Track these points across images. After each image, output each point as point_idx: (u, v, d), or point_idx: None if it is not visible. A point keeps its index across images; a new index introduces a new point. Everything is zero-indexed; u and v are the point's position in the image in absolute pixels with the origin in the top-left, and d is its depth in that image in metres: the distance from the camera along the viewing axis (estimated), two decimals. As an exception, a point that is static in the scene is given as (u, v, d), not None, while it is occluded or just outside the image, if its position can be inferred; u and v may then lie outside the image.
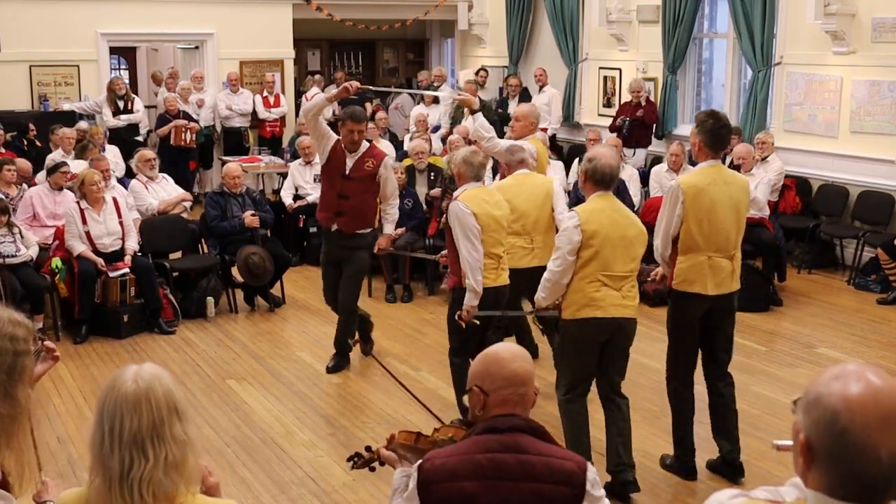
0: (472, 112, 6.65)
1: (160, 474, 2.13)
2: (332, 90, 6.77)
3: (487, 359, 2.73)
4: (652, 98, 11.91)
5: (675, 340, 5.27)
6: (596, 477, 2.64)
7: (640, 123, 11.60)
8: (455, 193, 5.84)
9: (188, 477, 2.18)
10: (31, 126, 11.16)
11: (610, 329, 4.94)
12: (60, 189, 8.43)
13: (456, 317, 5.61)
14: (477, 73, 13.76)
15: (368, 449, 3.23)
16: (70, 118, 11.64)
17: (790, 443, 1.76)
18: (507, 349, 2.77)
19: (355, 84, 6.72)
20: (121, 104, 12.12)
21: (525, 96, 13.07)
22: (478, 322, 5.59)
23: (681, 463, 5.36)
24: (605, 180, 4.90)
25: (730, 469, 5.31)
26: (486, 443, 2.61)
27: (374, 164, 6.85)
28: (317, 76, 14.70)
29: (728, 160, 9.58)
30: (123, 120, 12.00)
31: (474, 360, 2.77)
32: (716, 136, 5.07)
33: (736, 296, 5.31)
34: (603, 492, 2.65)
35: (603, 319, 4.89)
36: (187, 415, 2.24)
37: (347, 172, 6.81)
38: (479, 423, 2.68)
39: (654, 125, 11.78)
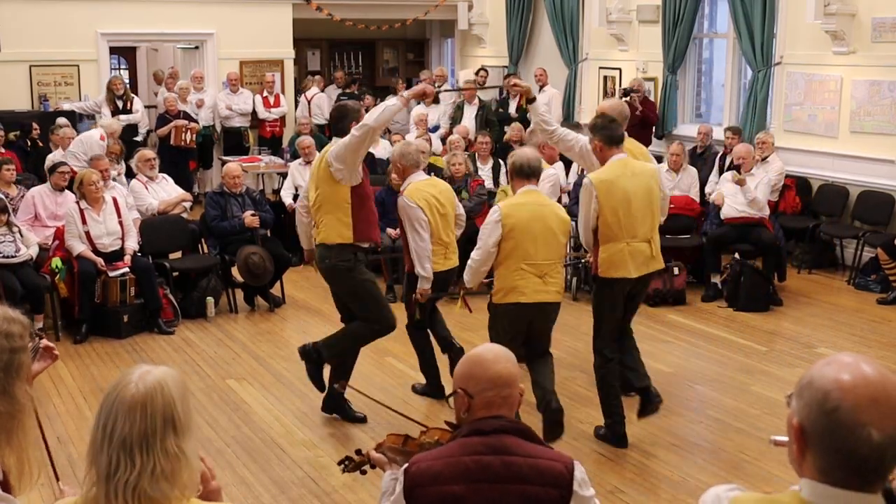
0: (529, 101, 6.11)
1: (145, 483, 2.07)
2: (404, 92, 6.03)
3: (471, 361, 2.72)
4: (652, 98, 11.90)
5: (601, 319, 5.73)
6: (584, 476, 2.63)
7: (639, 123, 11.59)
8: (402, 187, 6.25)
9: (182, 487, 2.12)
10: (35, 126, 11.16)
11: (532, 312, 5.42)
12: (62, 190, 8.43)
13: (413, 299, 6.23)
14: (477, 73, 13.77)
15: (359, 452, 3.24)
16: (70, 118, 11.63)
17: (786, 438, 1.78)
18: (490, 351, 2.75)
19: (431, 88, 6.23)
20: (120, 104, 12.11)
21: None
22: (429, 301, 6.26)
23: (612, 432, 5.74)
24: (527, 173, 5.42)
25: (646, 397, 5.75)
26: (472, 445, 2.60)
27: None
28: (317, 76, 14.72)
29: (728, 160, 9.61)
30: (123, 120, 11.99)
31: (458, 363, 2.77)
32: (609, 132, 5.56)
33: (656, 273, 5.87)
34: (592, 491, 2.64)
35: (526, 304, 5.37)
36: (187, 429, 2.13)
37: None
38: (464, 425, 2.68)
39: (654, 125, 11.77)
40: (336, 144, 5.76)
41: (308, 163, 10.12)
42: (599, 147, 5.57)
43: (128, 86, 13.31)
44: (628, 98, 11.43)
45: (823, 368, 1.71)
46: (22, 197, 8.54)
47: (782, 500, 1.77)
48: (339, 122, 5.89)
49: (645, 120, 11.58)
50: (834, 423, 1.65)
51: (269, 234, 9.13)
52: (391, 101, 5.77)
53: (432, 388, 6.50)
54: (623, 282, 5.54)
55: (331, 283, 6.07)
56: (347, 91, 14.58)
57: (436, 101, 13.18)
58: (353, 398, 6.00)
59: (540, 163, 5.60)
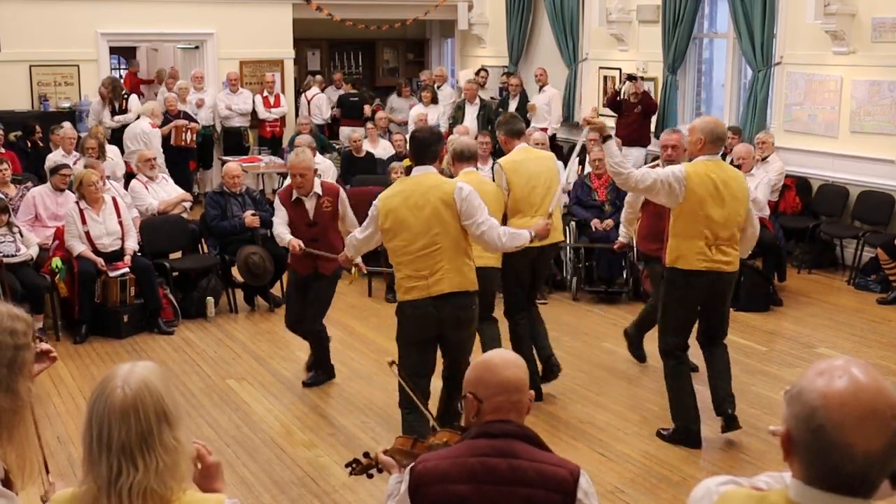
0: (604, 140, 5.49)
1: (151, 482, 2.08)
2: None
3: (481, 366, 2.74)
4: (651, 97, 11.90)
5: (509, 290, 6.45)
6: (590, 488, 2.63)
7: (641, 113, 11.59)
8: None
9: (181, 478, 2.14)
10: (37, 127, 11.15)
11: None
12: (62, 191, 8.43)
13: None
14: (477, 74, 13.77)
15: (367, 455, 3.24)
16: (70, 118, 11.63)
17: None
18: (500, 356, 2.77)
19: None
20: (116, 104, 12.10)
21: (524, 96, 13.07)
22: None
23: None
24: (466, 156, 6.02)
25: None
26: (479, 447, 2.62)
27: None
28: (318, 77, 14.72)
29: (728, 160, 9.60)
30: (119, 120, 11.98)
31: (469, 367, 2.78)
32: (510, 125, 6.56)
33: (559, 246, 6.91)
34: (597, 502, 2.65)
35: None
36: (179, 420, 2.16)
37: None
38: (473, 428, 2.69)
39: (655, 117, 11.77)
40: (470, 194, 5.05)
41: None
42: (505, 140, 6.53)
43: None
44: (633, 82, 11.46)
45: (815, 380, 1.68)
46: (21, 197, 8.55)
47: (771, 498, 1.77)
48: (433, 146, 5.24)
49: (646, 110, 11.56)
50: (819, 441, 1.64)
51: (269, 234, 9.12)
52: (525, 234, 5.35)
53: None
54: (526, 251, 5.75)
55: (459, 329, 5.28)
56: (352, 91, 14.59)
57: (434, 100, 13.20)
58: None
59: (477, 148, 6.54)
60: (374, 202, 5.27)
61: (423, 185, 5.09)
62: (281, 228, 6.70)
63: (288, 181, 6.89)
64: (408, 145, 5.45)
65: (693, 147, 5.53)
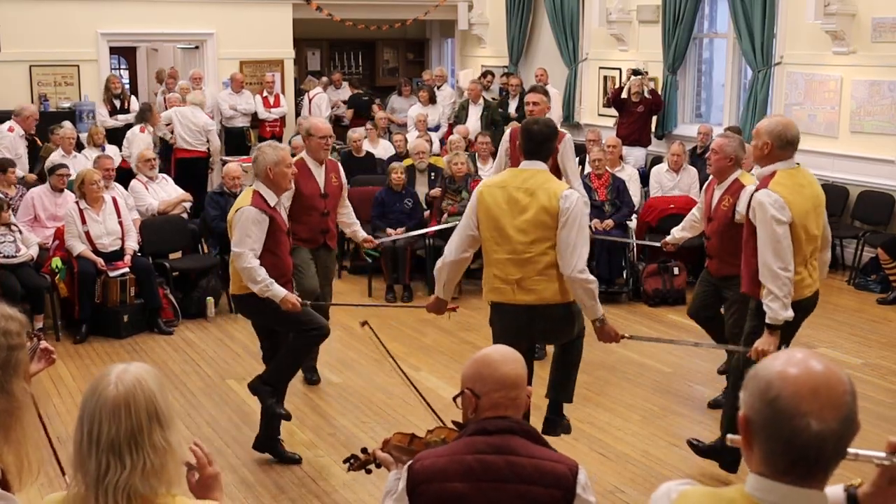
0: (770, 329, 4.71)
1: (137, 481, 2.08)
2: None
3: (479, 362, 2.72)
4: (658, 95, 11.88)
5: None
6: (587, 481, 2.63)
7: (640, 118, 11.59)
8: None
9: (168, 481, 2.14)
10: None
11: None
12: (61, 191, 8.43)
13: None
14: (484, 77, 13.75)
15: (364, 451, 3.24)
16: (70, 118, 11.61)
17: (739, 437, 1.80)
18: (499, 352, 2.76)
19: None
20: (117, 103, 12.10)
21: (524, 96, 13.04)
22: None
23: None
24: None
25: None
26: (476, 444, 2.61)
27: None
28: (322, 77, 14.71)
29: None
30: (120, 120, 11.98)
31: (467, 363, 2.77)
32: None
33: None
34: (594, 499, 2.64)
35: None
36: (171, 421, 2.16)
37: None
38: (470, 424, 2.68)
39: (656, 117, 11.78)
40: (579, 201, 4.69)
41: None
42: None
43: (126, 86, 13.30)
44: (639, 77, 11.45)
45: (771, 361, 1.74)
46: (21, 196, 8.55)
47: (728, 495, 1.79)
48: (548, 143, 4.83)
49: (651, 108, 11.56)
50: (774, 412, 1.67)
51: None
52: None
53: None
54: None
55: (560, 336, 5.01)
56: (360, 91, 14.58)
57: (433, 100, 13.19)
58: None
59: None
60: (473, 192, 4.82)
61: (531, 182, 4.64)
62: (264, 273, 5.23)
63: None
64: (520, 137, 4.83)
65: (759, 153, 4.76)
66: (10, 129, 10.23)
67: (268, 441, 5.63)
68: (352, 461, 3.29)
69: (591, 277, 4.63)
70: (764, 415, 1.69)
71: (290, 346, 5.55)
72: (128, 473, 2.07)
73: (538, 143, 4.74)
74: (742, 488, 1.76)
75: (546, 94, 7.11)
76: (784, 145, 4.70)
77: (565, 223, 4.54)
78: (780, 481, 1.69)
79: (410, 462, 2.67)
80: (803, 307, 4.86)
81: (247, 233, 5.22)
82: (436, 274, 4.95)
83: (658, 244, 6.88)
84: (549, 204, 4.55)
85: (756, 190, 4.76)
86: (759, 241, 4.64)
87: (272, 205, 5.37)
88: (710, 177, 6.13)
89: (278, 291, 5.22)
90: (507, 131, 7.63)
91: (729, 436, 1.92)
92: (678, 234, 6.53)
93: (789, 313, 4.62)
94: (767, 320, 4.66)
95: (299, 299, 5.35)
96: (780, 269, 4.57)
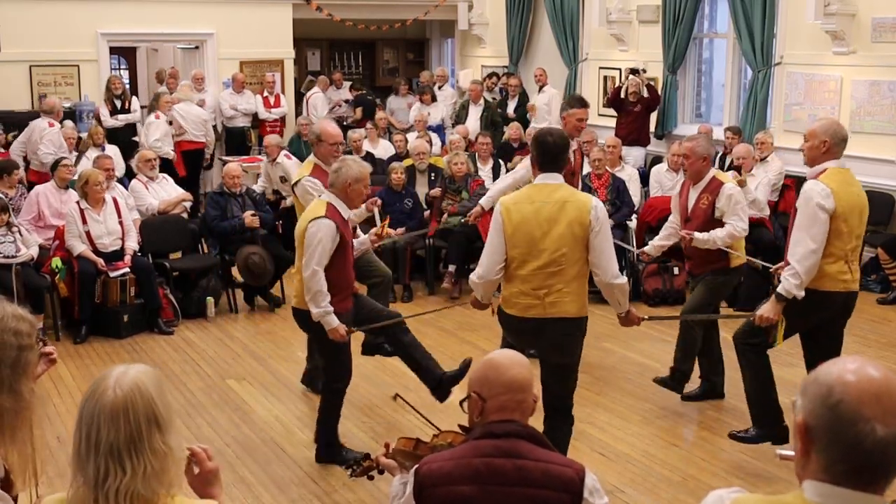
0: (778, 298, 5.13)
1: (138, 486, 2.07)
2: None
3: (486, 365, 2.72)
4: (655, 91, 11.87)
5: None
6: (595, 484, 2.63)
7: (638, 118, 11.58)
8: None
9: (169, 483, 2.13)
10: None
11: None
12: (66, 188, 8.43)
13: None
14: (489, 78, 13.74)
15: (367, 457, 3.23)
16: (70, 117, 11.62)
17: (792, 452, 1.78)
18: (505, 356, 2.76)
19: None
20: (118, 104, 12.10)
21: (523, 96, 13.07)
22: None
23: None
24: None
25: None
26: (483, 448, 2.61)
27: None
28: (322, 77, 14.69)
29: (728, 160, 9.60)
30: (121, 119, 11.98)
31: (473, 367, 2.77)
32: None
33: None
34: (605, 499, 2.64)
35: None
36: (170, 424, 2.14)
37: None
38: (476, 428, 2.68)
39: (655, 117, 11.78)
40: (605, 209, 4.80)
41: (273, 161, 9.65)
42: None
43: (127, 86, 13.29)
44: (637, 75, 11.45)
45: (829, 367, 1.72)
46: (21, 196, 8.55)
47: (786, 501, 1.76)
48: (562, 154, 4.84)
49: (649, 105, 11.55)
50: (837, 417, 1.65)
51: (270, 234, 9.11)
52: None
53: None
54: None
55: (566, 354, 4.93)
56: (364, 91, 14.57)
57: (433, 99, 13.19)
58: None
59: None
60: (496, 211, 4.74)
61: (558, 195, 4.65)
62: (327, 301, 5.27)
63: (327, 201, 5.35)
64: (533, 148, 4.82)
65: (816, 152, 5.02)
66: (51, 125, 10.33)
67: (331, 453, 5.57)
68: (354, 467, 3.28)
69: (625, 279, 4.79)
70: (826, 420, 1.66)
71: (321, 405, 5.62)
72: (129, 478, 2.06)
73: (554, 155, 4.76)
74: (801, 495, 1.73)
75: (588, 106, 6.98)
76: (839, 142, 5.04)
77: (598, 232, 4.62)
78: (842, 486, 1.67)
79: (417, 466, 2.66)
80: (842, 302, 5.24)
81: (322, 247, 5.16)
82: (472, 286, 4.94)
83: None
84: (581, 217, 4.60)
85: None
86: (797, 222, 4.98)
87: (346, 218, 5.34)
88: (683, 179, 6.35)
89: (332, 322, 5.26)
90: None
91: (778, 451, 1.92)
92: (658, 242, 6.52)
93: (801, 293, 4.99)
94: (780, 290, 5.03)
95: (347, 331, 5.36)
96: (812, 251, 4.89)
